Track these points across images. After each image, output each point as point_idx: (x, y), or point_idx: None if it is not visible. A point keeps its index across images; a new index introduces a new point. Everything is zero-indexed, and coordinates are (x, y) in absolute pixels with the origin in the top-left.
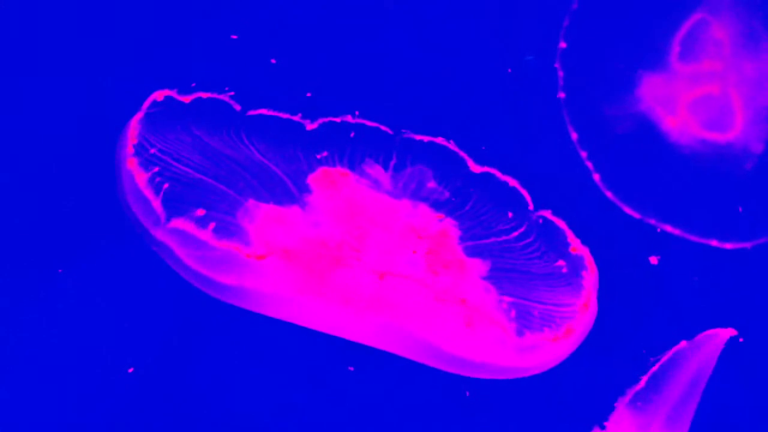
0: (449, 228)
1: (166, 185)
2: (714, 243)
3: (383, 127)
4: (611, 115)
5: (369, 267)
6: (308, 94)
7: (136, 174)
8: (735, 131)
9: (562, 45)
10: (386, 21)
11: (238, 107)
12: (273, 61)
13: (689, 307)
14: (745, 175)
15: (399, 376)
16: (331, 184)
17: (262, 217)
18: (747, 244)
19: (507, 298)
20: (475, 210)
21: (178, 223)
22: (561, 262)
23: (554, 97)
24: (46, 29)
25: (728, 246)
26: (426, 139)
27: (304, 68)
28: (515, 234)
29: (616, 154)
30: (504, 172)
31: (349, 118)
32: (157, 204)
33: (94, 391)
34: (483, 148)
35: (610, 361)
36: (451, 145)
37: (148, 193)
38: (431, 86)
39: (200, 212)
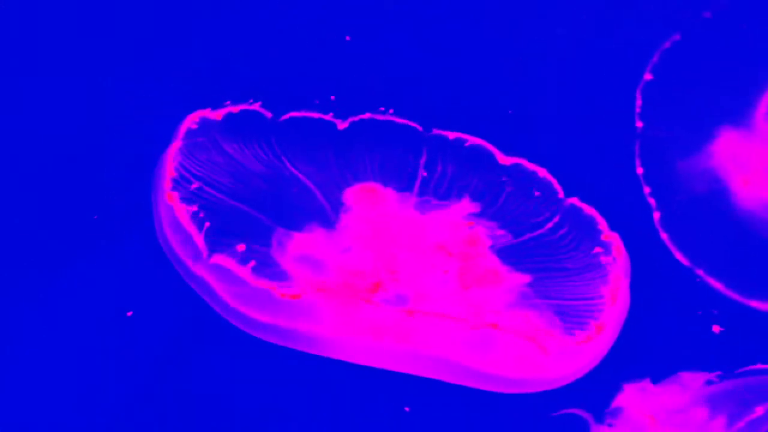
0: (480, 234)
1: (207, 224)
2: (755, 304)
3: (413, 124)
4: (682, 161)
5: (402, 296)
6: (332, 97)
7: (177, 209)
8: None
9: (648, 77)
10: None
11: (269, 115)
12: (347, 38)
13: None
14: None
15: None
16: (366, 199)
17: (294, 248)
18: None
19: (546, 301)
20: (507, 205)
21: (220, 258)
22: (598, 249)
23: (628, 124)
24: (60, 42)
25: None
26: (454, 135)
27: (331, 70)
28: (549, 225)
29: (679, 200)
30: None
31: (378, 116)
32: (199, 239)
33: (96, 394)
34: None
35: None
36: (479, 140)
37: (191, 229)
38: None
39: (241, 247)
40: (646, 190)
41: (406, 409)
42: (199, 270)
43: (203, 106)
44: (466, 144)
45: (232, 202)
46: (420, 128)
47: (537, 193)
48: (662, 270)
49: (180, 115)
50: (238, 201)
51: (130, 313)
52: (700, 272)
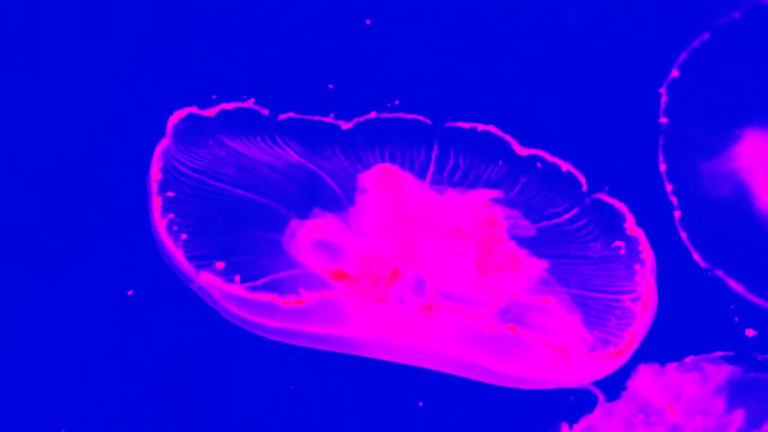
0: (497, 215)
1: (184, 236)
2: None
3: (422, 118)
4: (705, 161)
5: (420, 280)
6: (330, 86)
7: (159, 225)
8: None
9: (675, 74)
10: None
11: (265, 112)
12: (368, 21)
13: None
14: None
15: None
16: (384, 181)
17: (307, 235)
18: None
19: (566, 289)
20: (524, 194)
21: (206, 276)
22: (619, 243)
23: (654, 120)
24: (60, 42)
25: None
26: (467, 125)
27: (334, 66)
28: (567, 216)
29: (701, 200)
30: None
31: (386, 113)
32: (182, 259)
33: (96, 393)
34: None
35: None
36: (495, 129)
37: (174, 249)
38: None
39: (220, 265)
40: (668, 187)
41: (420, 404)
42: (197, 286)
43: (203, 106)
44: (479, 132)
45: (238, 191)
46: (429, 122)
47: (558, 184)
48: (682, 269)
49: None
50: (244, 190)
51: (130, 292)
52: (719, 273)
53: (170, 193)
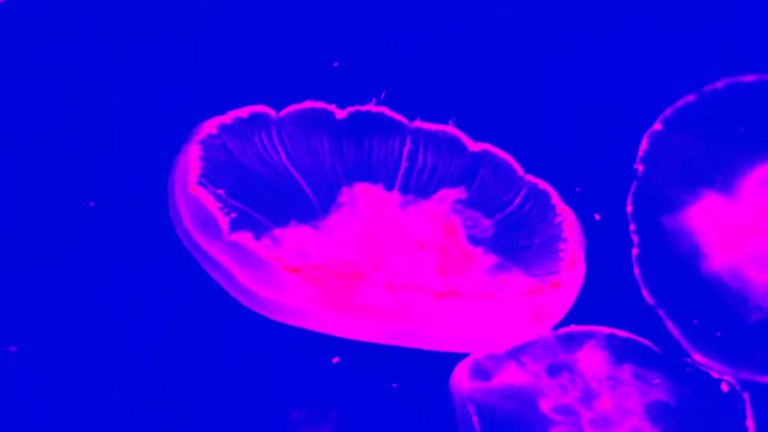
0: (455, 223)
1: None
2: (697, 356)
3: (399, 117)
4: (666, 213)
5: (384, 282)
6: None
7: (203, 198)
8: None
9: (657, 126)
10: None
11: (272, 112)
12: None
13: None
14: (748, 322)
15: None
16: (356, 199)
17: (286, 243)
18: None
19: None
20: (480, 189)
21: (237, 236)
22: (558, 219)
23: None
24: (68, 48)
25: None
26: (431, 126)
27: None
28: (517, 201)
29: (657, 246)
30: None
31: (371, 108)
32: (223, 221)
33: (104, 385)
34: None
35: None
36: (449, 128)
37: (216, 212)
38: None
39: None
40: (631, 227)
41: (394, 385)
42: (214, 250)
43: (201, 105)
44: (439, 132)
45: (232, 201)
46: (405, 121)
47: (502, 173)
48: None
49: (179, 114)
50: (235, 199)
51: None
52: (660, 312)
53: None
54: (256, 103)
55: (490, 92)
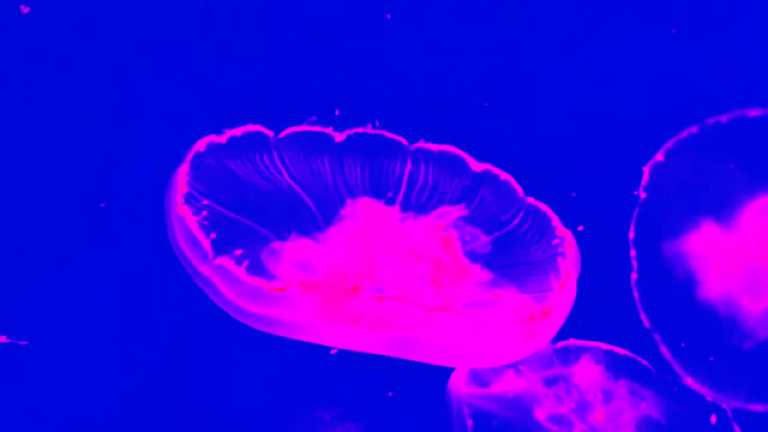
0: (452, 236)
1: (213, 234)
2: (690, 382)
3: (399, 138)
4: (666, 239)
5: (379, 294)
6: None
7: (188, 220)
8: (762, 307)
9: (659, 157)
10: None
11: (270, 133)
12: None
13: None
14: (742, 350)
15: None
16: (357, 213)
17: (286, 255)
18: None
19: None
20: (479, 208)
21: (222, 260)
22: (556, 241)
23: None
24: (74, 53)
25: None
26: (434, 146)
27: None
28: (515, 222)
29: (655, 272)
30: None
31: (370, 130)
32: (206, 244)
33: (100, 387)
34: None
35: None
36: (452, 148)
37: (200, 236)
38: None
39: (239, 252)
40: (632, 252)
41: (390, 394)
42: (204, 269)
43: (204, 115)
44: (441, 152)
45: (231, 214)
46: (405, 142)
47: (503, 194)
48: (626, 327)
49: (180, 115)
50: (237, 213)
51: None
52: (656, 336)
53: (205, 201)
54: (256, 103)
55: (489, 92)
